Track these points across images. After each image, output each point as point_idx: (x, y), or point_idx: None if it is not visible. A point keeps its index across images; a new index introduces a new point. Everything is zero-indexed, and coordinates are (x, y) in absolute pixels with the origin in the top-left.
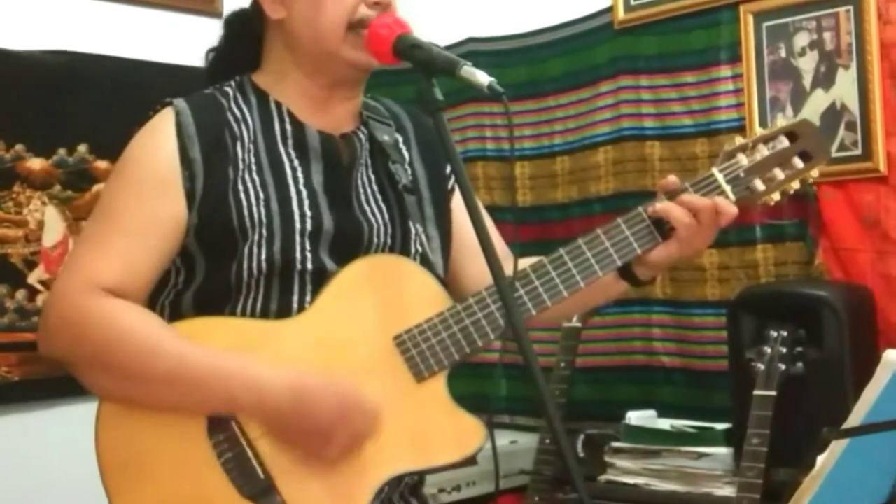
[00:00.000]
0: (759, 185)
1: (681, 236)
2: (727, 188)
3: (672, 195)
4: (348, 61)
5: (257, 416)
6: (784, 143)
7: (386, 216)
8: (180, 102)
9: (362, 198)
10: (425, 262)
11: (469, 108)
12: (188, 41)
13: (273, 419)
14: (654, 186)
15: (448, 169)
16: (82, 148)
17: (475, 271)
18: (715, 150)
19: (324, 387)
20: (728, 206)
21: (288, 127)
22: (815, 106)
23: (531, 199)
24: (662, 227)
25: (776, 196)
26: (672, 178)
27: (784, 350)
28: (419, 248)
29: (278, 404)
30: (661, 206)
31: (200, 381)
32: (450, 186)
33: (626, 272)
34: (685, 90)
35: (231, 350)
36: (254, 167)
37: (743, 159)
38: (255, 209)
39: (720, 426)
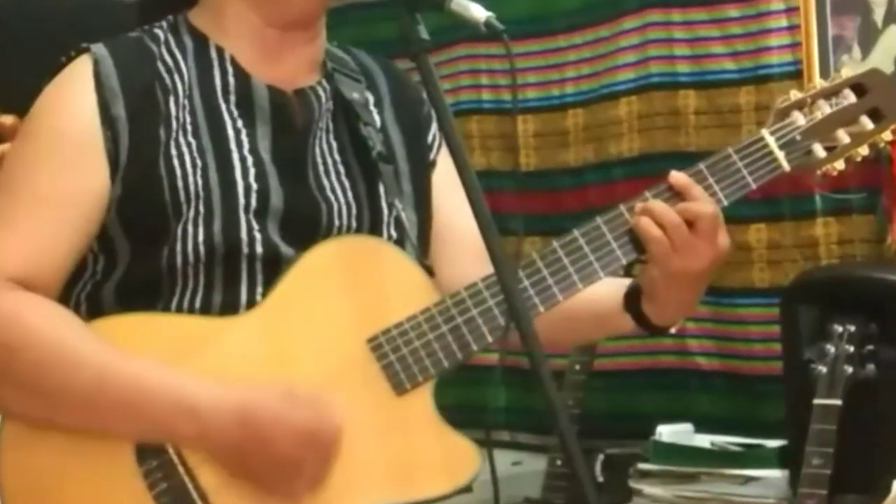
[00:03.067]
0: (820, 150)
1: (653, 253)
2: (780, 154)
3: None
4: None
5: (202, 450)
6: (850, 98)
7: (349, 194)
8: (100, 49)
9: (320, 170)
10: (403, 248)
11: (461, 50)
12: None
13: (221, 453)
14: (688, 146)
15: (430, 137)
16: None
17: (456, 269)
18: (764, 102)
19: (280, 406)
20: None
21: (230, 79)
22: (888, 46)
23: (537, 161)
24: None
25: (840, 164)
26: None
27: (851, 349)
28: (394, 234)
29: (225, 436)
30: (642, 206)
31: (127, 405)
32: (430, 159)
33: (633, 307)
34: (727, 27)
35: (164, 362)
36: (189, 127)
37: (799, 119)
38: (190, 179)
39: (772, 443)
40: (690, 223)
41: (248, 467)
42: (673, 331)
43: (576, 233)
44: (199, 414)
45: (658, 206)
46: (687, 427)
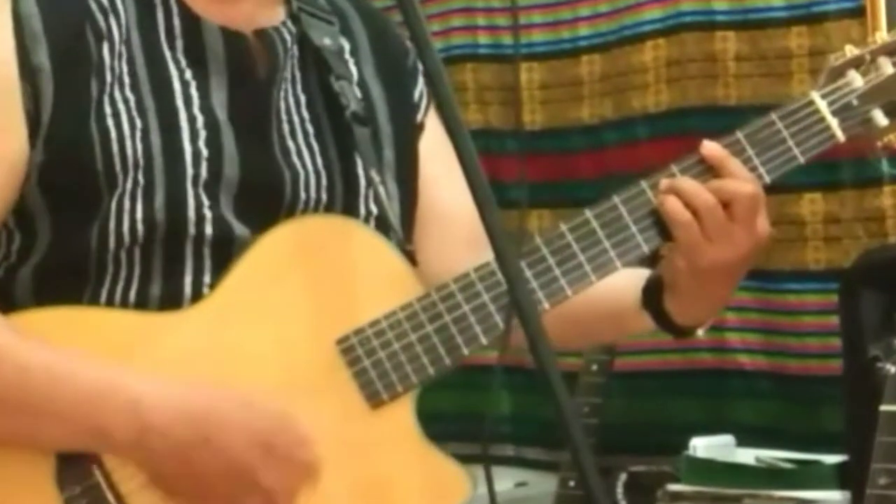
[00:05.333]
0: (881, 117)
1: (681, 240)
2: (833, 122)
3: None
4: None
5: (138, 458)
6: None
7: (319, 160)
8: None
9: (285, 129)
10: (382, 229)
11: None
12: None
13: (163, 462)
14: (727, 99)
15: (417, 94)
16: None
17: (443, 256)
18: (819, 45)
19: (236, 409)
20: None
21: (176, 21)
22: None
23: (544, 118)
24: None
25: None
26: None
27: None
28: (373, 209)
29: (169, 440)
30: (668, 183)
31: (54, 402)
32: (417, 120)
33: (653, 302)
34: None
35: (97, 356)
36: (127, 80)
37: (856, 79)
38: (128, 143)
39: (830, 459)
40: (726, 205)
41: (194, 479)
42: (700, 333)
43: (588, 214)
44: (139, 411)
45: (688, 184)
46: (727, 440)
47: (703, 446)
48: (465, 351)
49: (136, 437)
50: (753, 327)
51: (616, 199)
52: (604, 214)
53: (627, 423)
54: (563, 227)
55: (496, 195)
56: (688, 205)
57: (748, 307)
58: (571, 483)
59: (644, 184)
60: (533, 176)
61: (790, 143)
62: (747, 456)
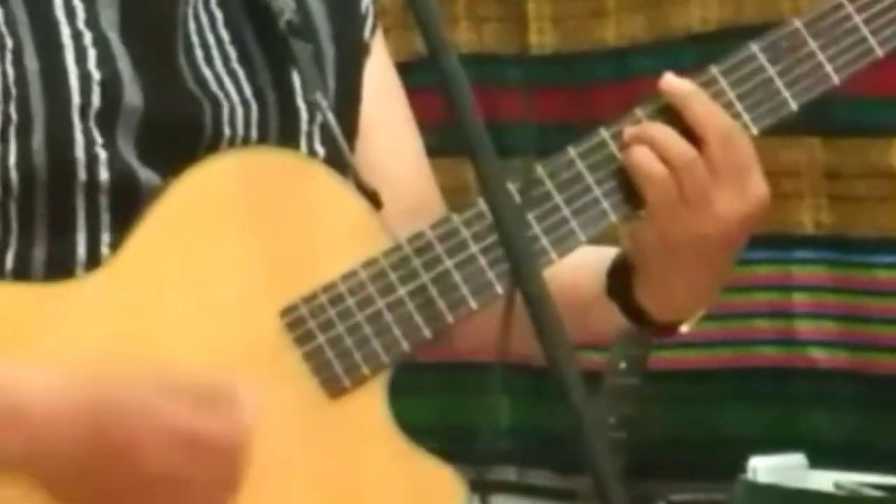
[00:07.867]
0: None
1: (652, 202)
2: (865, 30)
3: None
4: None
5: (32, 473)
6: None
7: (246, 87)
8: None
9: (198, 54)
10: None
11: None
12: None
13: (62, 478)
14: (795, 14)
15: (363, 7)
16: None
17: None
18: None
19: (148, 393)
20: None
21: None
22: None
23: (555, 41)
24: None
25: None
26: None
27: None
28: (319, 149)
29: (67, 449)
30: (635, 131)
31: None
32: (365, 37)
33: (621, 289)
34: None
35: None
36: None
37: None
38: None
39: None
40: (702, 148)
41: (102, 497)
42: (684, 329)
43: (540, 171)
44: (28, 416)
45: (660, 131)
46: (797, 459)
47: (765, 468)
48: (450, 318)
49: (24, 452)
50: (830, 313)
51: (572, 153)
52: (559, 172)
53: (667, 438)
54: (513, 188)
55: (494, 140)
56: (661, 157)
57: (823, 286)
58: None
59: (604, 132)
60: (542, 114)
61: (821, 56)
62: (823, 480)
